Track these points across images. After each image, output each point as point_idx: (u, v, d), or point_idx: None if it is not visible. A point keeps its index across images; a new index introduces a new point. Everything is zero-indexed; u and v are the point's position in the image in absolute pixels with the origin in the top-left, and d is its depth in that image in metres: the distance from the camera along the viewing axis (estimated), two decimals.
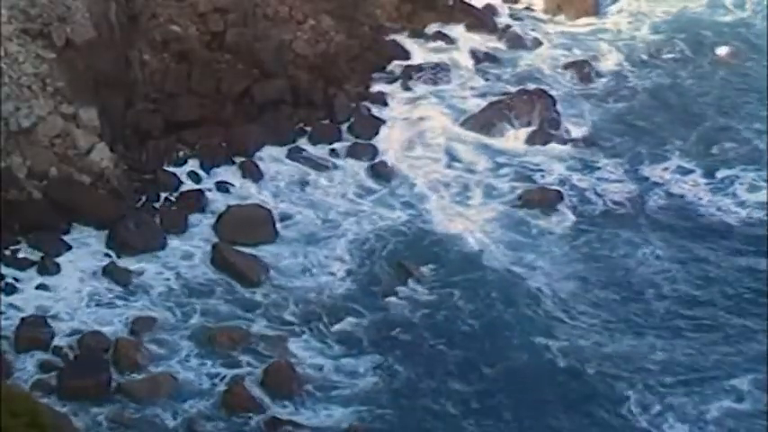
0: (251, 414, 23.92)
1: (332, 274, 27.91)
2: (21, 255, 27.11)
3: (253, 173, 30.92)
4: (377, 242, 29.02)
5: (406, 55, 36.50)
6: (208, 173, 30.75)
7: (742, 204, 31.00)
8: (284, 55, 33.94)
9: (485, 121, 33.69)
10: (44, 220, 27.63)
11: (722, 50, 37.90)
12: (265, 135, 31.90)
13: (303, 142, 32.23)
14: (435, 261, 28.46)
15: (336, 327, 26.37)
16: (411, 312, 26.89)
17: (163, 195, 29.69)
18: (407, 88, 35.15)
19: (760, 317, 27.05)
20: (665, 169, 32.31)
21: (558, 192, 31.09)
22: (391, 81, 35.30)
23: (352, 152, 32.24)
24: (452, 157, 32.58)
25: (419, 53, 36.70)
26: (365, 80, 34.90)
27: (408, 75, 35.64)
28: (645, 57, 37.79)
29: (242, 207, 29.62)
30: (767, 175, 32.04)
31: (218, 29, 33.42)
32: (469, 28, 38.08)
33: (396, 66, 35.89)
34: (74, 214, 28.00)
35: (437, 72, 35.82)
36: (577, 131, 33.87)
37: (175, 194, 29.89)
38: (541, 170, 32.13)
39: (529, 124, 33.68)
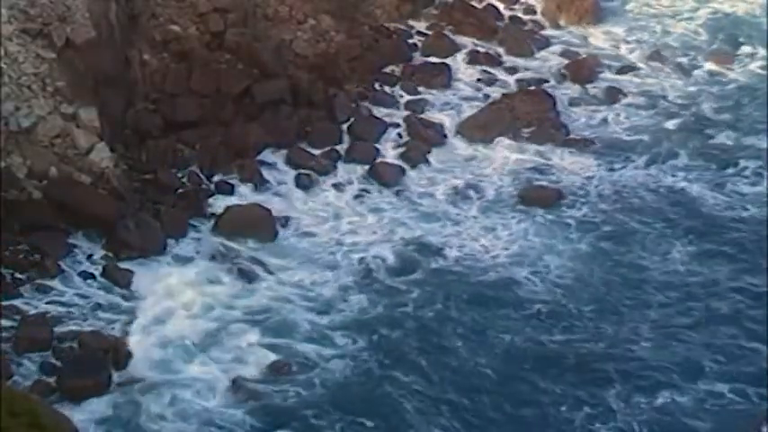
0: (252, 411, 23.88)
1: (333, 272, 27.90)
2: (21, 255, 27.01)
3: (253, 173, 30.89)
4: (377, 242, 29.04)
5: (406, 55, 36.51)
6: (208, 173, 30.72)
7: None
8: (284, 55, 33.95)
9: (485, 122, 33.72)
10: (44, 221, 27.54)
11: None
12: (265, 135, 31.88)
13: (303, 142, 32.23)
14: (435, 260, 28.48)
15: (337, 324, 26.32)
16: (410, 309, 26.86)
17: (163, 196, 29.65)
18: (408, 89, 35.16)
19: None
20: (672, 169, 32.37)
21: (559, 191, 31.12)
22: (392, 82, 35.32)
23: (353, 153, 32.23)
24: (452, 157, 32.61)
25: (419, 54, 36.76)
26: (365, 80, 34.91)
27: (409, 75, 35.66)
28: (646, 58, 37.86)
29: (242, 207, 29.63)
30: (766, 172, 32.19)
31: (218, 29, 33.39)
32: (470, 28, 38.11)
33: (396, 66, 35.92)
34: (74, 214, 27.90)
35: (437, 72, 35.85)
36: (578, 132, 33.92)
37: (175, 195, 29.86)
38: (541, 170, 32.18)
39: (529, 125, 33.70)
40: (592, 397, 24.63)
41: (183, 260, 27.94)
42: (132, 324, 25.78)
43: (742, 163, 32.62)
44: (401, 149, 32.61)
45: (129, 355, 24.84)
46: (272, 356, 25.21)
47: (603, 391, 24.76)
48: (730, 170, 32.38)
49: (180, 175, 30.50)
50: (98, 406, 23.60)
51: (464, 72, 36.37)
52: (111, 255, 27.62)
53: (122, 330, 25.54)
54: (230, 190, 30.38)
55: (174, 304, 26.50)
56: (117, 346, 24.99)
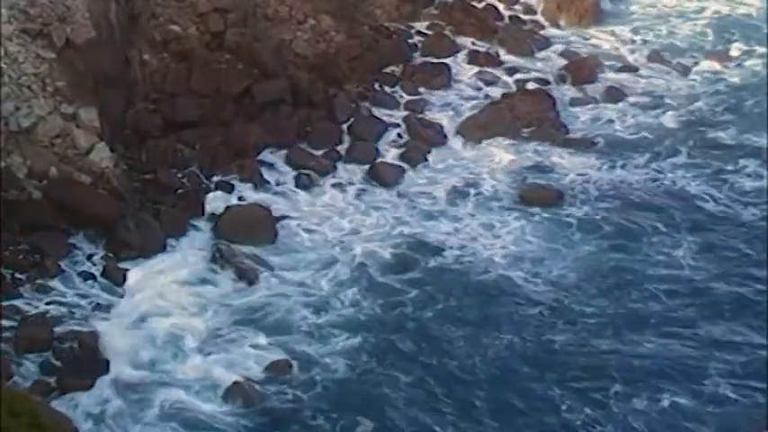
0: (253, 410, 23.84)
1: (332, 272, 27.87)
2: (21, 255, 26.99)
3: (253, 173, 30.89)
4: (377, 241, 29.03)
5: (406, 55, 36.50)
6: (208, 173, 30.71)
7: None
8: (284, 55, 33.95)
9: (485, 122, 33.73)
10: (44, 221, 27.52)
11: None
12: (265, 135, 31.89)
13: (303, 142, 32.23)
14: (434, 260, 28.46)
15: (337, 323, 26.27)
16: (410, 309, 26.83)
17: (163, 196, 29.63)
18: (408, 89, 35.15)
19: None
20: (673, 167, 32.36)
21: (559, 190, 31.12)
22: (392, 82, 35.32)
23: (353, 153, 32.22)
24: (452, 157, 32.61)
25: (419, 54, 36.77)
26: (365, 80, 34.91)
27: (409, 75, 35.65)
28: (646, 58, 37.92)
29: (242, 207, 29.65)
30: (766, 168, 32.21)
31: (218, 29, 33.40)
32: (470, 28, 38.12)
33: (396, 66, 35.92)
34: (74, 214, 27.88)
35: (437, 72, 35.84)
36: (578, 131, 33.92)
37: (175, 195, 29.84)
38: (541, 169, 32.20)
39: (529, 125, 33.70)
40: (593, 397, 24.54)
41: (183, 260, 27.90)
42: (131, 324, 25.75)
43: (742, 161, 32.67)
44: (401, 149, 32.62)
45: (125, 354, 24.82)
46: (272, 356, 25.13)
47: (604, 391, 24.67)
48: (731, 167, 32.42)
49: (180, 175, 30.50)
50: (91, 405, 23.56)
51: (464, 72, 36.41)
52: (111, 255, 27.59)
53: (121, 330, 25.50)
54: (230, 190, 30.38)
55: (174, 304, 26.48)
56: (114, 345, 24.99)
